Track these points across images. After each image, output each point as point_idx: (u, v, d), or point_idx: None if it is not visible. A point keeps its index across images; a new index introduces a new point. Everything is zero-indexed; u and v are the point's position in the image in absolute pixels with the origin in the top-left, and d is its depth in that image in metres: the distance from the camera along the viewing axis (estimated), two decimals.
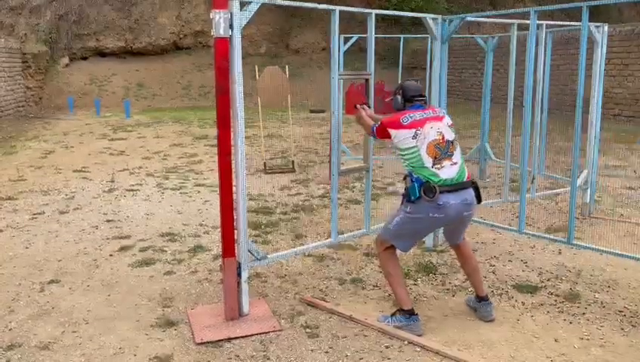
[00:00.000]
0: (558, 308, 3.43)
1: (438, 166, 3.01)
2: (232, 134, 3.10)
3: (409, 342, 3.01)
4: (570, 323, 3.24)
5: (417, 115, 3.12)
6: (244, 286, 3.28)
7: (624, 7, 18.42)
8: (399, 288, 3.20)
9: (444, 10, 17.69)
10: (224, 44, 3.01)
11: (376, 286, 3.78)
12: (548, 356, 2.87)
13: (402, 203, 3.17)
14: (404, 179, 3.17)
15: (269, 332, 3.15)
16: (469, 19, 4.35)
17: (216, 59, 3.03)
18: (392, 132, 3.13)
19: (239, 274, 3.25)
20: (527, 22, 3.80)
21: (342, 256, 4.36)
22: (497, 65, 6.41)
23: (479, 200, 3.14)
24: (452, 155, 3.05)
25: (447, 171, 3.01)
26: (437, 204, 2.97)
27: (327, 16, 3.58)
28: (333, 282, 3.86)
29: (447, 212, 2.99)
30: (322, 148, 9.33)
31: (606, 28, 5.00)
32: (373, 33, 3.76)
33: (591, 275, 3.91)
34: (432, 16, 4.19)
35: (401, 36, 7.56)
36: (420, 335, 3.05)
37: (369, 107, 3.72)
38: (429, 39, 4.61)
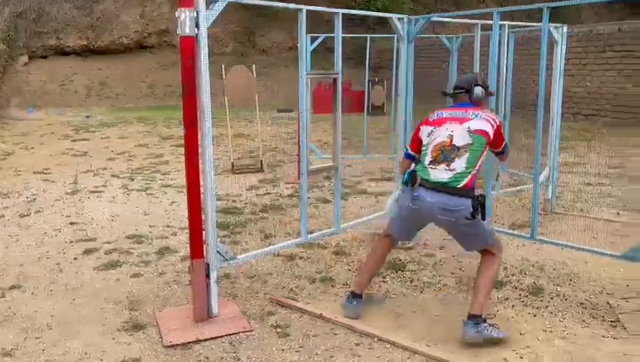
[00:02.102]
0: (523, 301, 3.52)
1: (433, 166, 3.01)
2: (199, 134, 3.07)
3: (379, 339, 3.04)
4: (535, 316, 3.33)
5: (446, 113, 3.17)
6: (214, 288, 3.25)
7: (582, 8, 19.00)
8: (359, 271, 3.46)
9: (409, 10, 17.88)
10: (190, 43, 2.97)
11: (346, 284, 3.80)
12: (513, 349, 2.94)
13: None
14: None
15: (238, 332, 3.13)
16: (434, 19, 4.41)
17: (182, 59, 2.99)
18: (421, 127, 3.20)
19: (208, 276, 3.22)
20: (491, 22, 3.88)
21: (312, 255, 4.37)
22: (462, 65, 6.52)
23: (481, 216, 2.95)
24: (452, 161, 2.96)
25: (438, 173, 2.98)
26: (413, 195, 3.03)
27: (294, 16, 3.58)
28: (303, 281, 3.87)
29: (421, 206, 3.01)
30: (290, 148, 9.32)
31: (565, 29, 5.15)
32: (341, 33, 3.78)
33: (553, 269, 4.03)
34: (398, 16, 4.24)
35: (368, 36, 7.60)
36: (349, 318, 3.22)
37: None
38: (395, 39, 4.66)
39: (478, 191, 3.02)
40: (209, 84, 3.06)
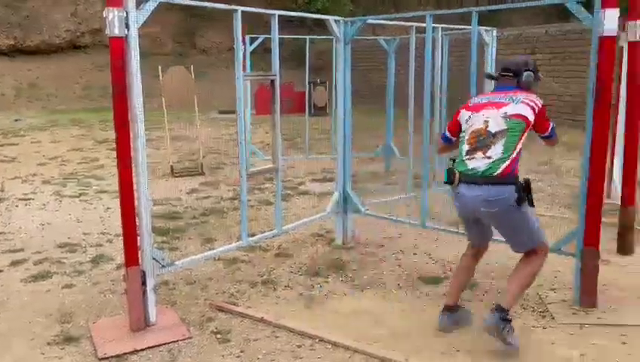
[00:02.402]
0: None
1: (470, 156, 2.86)
2: (131, 136, 2.97)
3: (320, 340, 3.05)
4: (471, 309, 3.43)
5: (486, 98, 3.01)
6: (150, 296, 3.16)
7: (512, 12, 19.85)
8: (451, 287, 3.23)
9: (348, 12, 18.10)
10: (120, 43, 2.88)
11: (288, 287, 3.79)
12: (451, 343, 3.02)
13: None
14: (450, 160, 3.05)
15: (177, 340, 3.05)
16: (369, 21, 4.47)
17: (112, 60, 2.89)
18: (461, 111, 3.04)
19: (144, 283, 3.12)
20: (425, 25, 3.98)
21: (253, 259, 4.33)
22: (400, 66, 6.66)
23: (528, 202, 2.82)
24: (488, 148, 2.80)
25: (475, 163, 2.82)
26: (455, 193, 2.91)
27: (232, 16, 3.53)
28: (245, 285, 3.82)
29: (463, 202, 2.88)
30: (232, 150, 9.19)
31: (495, 32, 5.36)
32: (277, 34, 3.77)
33: (487, 263, 4.15)
34: (335, 18, 4.27)
35: (307, 37, 7.64)
36: (444, 331, 3.05)
37: None
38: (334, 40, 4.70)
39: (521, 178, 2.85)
40: (141, 85, 2.97)
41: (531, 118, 2.86)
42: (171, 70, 7.40)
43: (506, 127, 2.81)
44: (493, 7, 4.22)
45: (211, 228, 5.12)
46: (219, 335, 3.12)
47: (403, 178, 6.97)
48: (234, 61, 3.56)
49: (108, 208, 5.76)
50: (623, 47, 4.45)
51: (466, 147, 2.90)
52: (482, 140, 2.83)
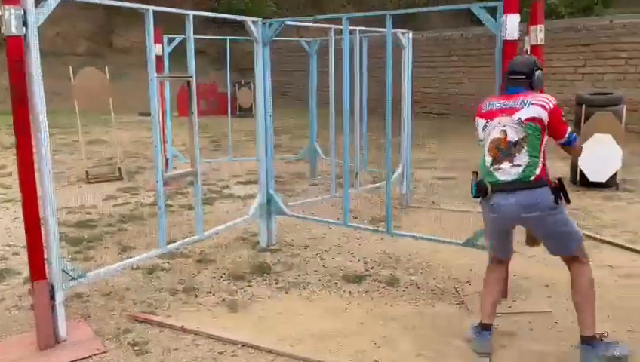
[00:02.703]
0: (381, 293, 3.70)
1: (497, 167, 2.78)
2: (33, 141, 2.79)
3: (243, 345, 3.00)
4: (392, 306, 3.52)
5: (497, 103, 2.86)
6: (60, 310, 2.98)
7: (431, 15, 20.59)
8: (482, 300, 3.06)
9: (272, 13, 18.05)
10: (17, 43, 2.69)
11: (210, 293, 3.71)
12: (372, 339, 3.08)
13: None
14: (473, 174, 2.98)
15: (91, 356, 2.90)
16: (289, 23, 4.47)
17: (8, 61, 2.70)
18: (476, 118, 2.94)
19: (53, 297, 2.94)
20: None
21: (174, 266, 4.20)
22: (324, 67, 6.70)
23: (564, 200, 2.75)
24: (514, 157, 2.73)
25: (505, 173, 2.75)
26: (490, 205, 2.81)
27: (156, 16, 3.41)
28: (164, 293, 3.70)
29: (501, 213, 2.79)
30: (153, 153, 8.89)
31: (411, 35, 5.52)
32: (192, 35, 3.67)
33: (408, 260, 4.29)
34: (252, 19, 4.23)
35: (227, 38, 7.53)
36: (482, 354, 2.86)
37: None
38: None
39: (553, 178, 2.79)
40: (42, 87, 2.79)
41: (545, 117, 2.72)
42: (83, 71, 7.04)
43: (525, 134, 2.73)
44: (407, 10, 4.33)
45: (129, 235, 4.92)
46: (136, 347, 2.99)
47: (327, 178, 7.05)
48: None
49: (15, 218, 5.38)
50: (528, 50, 4.73)
51: (488, 158, 2.82)
52: (504, 151, 2.76)
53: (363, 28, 5.21)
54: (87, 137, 9.39)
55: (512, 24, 3.21)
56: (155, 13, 3.41)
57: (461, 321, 3.27)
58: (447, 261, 4.19)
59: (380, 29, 5.65)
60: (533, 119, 2.72)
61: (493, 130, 2.81)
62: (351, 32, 5.23)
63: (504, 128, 2.77)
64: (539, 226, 2.82)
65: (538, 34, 4.25)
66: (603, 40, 10.28)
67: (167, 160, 6.94)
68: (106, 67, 7.25)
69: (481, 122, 2.90)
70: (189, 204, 5.98)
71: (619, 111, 6.37)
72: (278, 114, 11.02)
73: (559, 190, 2.72)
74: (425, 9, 3.83)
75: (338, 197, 5.44)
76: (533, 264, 4.10)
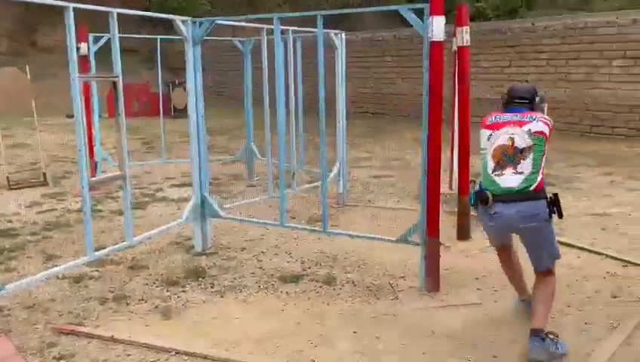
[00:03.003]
0: (318, 292, 3.71)
1: (499, 173, 2.90)
2: None
3: (176, 352, 2.92)
4: (328, 304, 3.54)
5: (503, 117, 3.02)
6: None
7: (365, 16, 20.91)
8: (512, 283, 3.34)
9: (205, 12, 17.73)
10: None
11: (142, 300, 3.59)
12: (309, 339, 3.08)
13: None
14: (471, 182, 3.13)
15: None
16: (220, 22, 4.40)
17: None
18: (481, 131, 3.07)
19: None
20: (283, 27, 4.01)
21: (103, 274, 4.03)
22: (260, 67, 6.65)
23: (557, 214, 2.90)
24: (518, 164, 2.87)
25: (507, 180, 2.87)
26: (489, 214, 2.93)
27: (82, 14, 3.26)
28: (93, 303, 3.55)
29: (500, 221, 2.92)
30: None
31: (344, 35, 5.58)
32: (117, 33, 3.54)
33: (344, 258, 4.33)
34: (182, 18, 4.13)
35: (158, 37, 7.32)
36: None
37: None
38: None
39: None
40: None
41: (548, 134, 2.95)
42: (1, 71, 6.63)
43: (532, 143, 2.88)
44: (338, 11, 4.38)
45: (55, 244, 4.68)
46: (62, 361, 2.85)
47: (265, 179, 7.01)
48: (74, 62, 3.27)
49: None
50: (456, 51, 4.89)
51: (491, 164, 2.94)
52: (510, 156, 2.89)
53: (296, 28, 5.22)
54: (8, 141, 8.87)
55: (437, 26, 3.30)
56: (78, 10, 3.26)
57: (396, 317, 3.34)
58: (383, 258, 4.26)
59: (313, 30, 5.68)
60: (541, 132, 2.91)
61: (499, 138, 2.95)
62: (285, 32, 5.26)
63: (512, 136, 2.92)
64: (532, 236, 2.96)
65: (464, 35, 4.42)
66: (525, 42, 10.81)
67: (95, 163, 6.68)
68: (27, 67, 6.87)
69: (486, 132, 3.04)
70: (119, 209, 5.76)
71: (542, 109, 6.70)
72: (214, 114, 10.82)
73: (554, 204, 2.88)
74: (355, 10, 3.87)
75: (275, 198, 5.42)
76: (463, 258, 4.25)
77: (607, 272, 3.92)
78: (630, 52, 9.32)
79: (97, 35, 6.42)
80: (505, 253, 3.27)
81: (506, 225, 2.95)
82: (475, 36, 4.75)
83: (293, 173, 5.56)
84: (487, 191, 2.93)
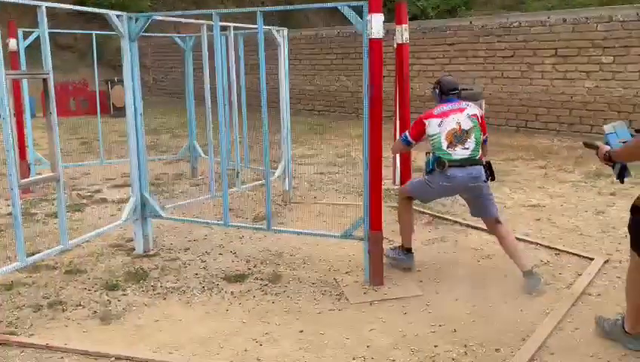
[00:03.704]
0: (263, 291, 3.69)
1: (452, 149, 3.66)
2: None
3: (116, 358, 2.84)
4: (274, 302, 3.52)
5: (447, 107, 3.76)
6: None
7: (310, 13, 20.96)
8: (405, 231, 4.01)
9: (147, 7, 17.26)
10: None
11: (80, 306, 3.46)
12: (254, 338, 3.06)
13: (424, 173, 3.84)
14: (427, 155, 3.80)
15: None
16: (157, 17, 4.29)
17: None
18: (426, 121, 3.75)
19: None
20: (224, 23, 3.94)
21: (38, 279, 3.86)
22: (201, 64, 6.54)
23: (491, 177, 3.76)
24: (465, 142, 3.66)
25: (459, 153, 3.66)
26: (446, 175, 3.65)
27: (13, 8, 3.08)
28: (27, 310, 3.39)
29: (454, 182, 3.66)
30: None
31: (286, 32, 5.56)
32: (46, 28, 3.38)
33: (290, 255, 4.33)
34: (116, 13, 4.00)
35: (93, 32, 7.04)
36: (409, 268, 3.95)
37: None
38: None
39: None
40: None
41: (479, 115, 3.79)
42: None
43: (472, 124, 3.70)
44: (276, 8, 4.36)
45: None
46: None
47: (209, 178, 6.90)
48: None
49: None
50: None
51: (445, 143, 3.69)
52: (459, 137, 3.67)
53: (238, 25, 5.15)
54: None
55: (376, 23, 3.35)
56: (5, 4, 3.09)
57: (341, 312, 3.37)
58: (328, 253, 4.29)
59: (254, 26, 5.63)
60: (475, 115, 3.76)
61: (449, 124, 3.70)
62: (226, 29, 5.18)
63: (459, 121, 3.70)
64: (476, 192, 3.74)
65: (403, 33, 4.50)
66: (464, 40, 11.13)
67: (28, 165, 6.37)
68: None
69: (436, 121, 3.73)
70: (55, 212, 5.53)
71: (479, 104, 6.95)
72: (158, 112, 10.49)
73: (489, 169, 3.76)
74: (295, 7, 3.86)
75: (219, 198, 5.36)
76: None
77: (541, 261, 4.10)
78: (561, 50, 9.78)
79: (27, 30, 6.13)
80: (411, 202, 4.04)
81: (459, 184, 3.69)
82: (416, 34, 4.86)
83: (238, 172, 5.50)
84: (445, 159, 3.66)
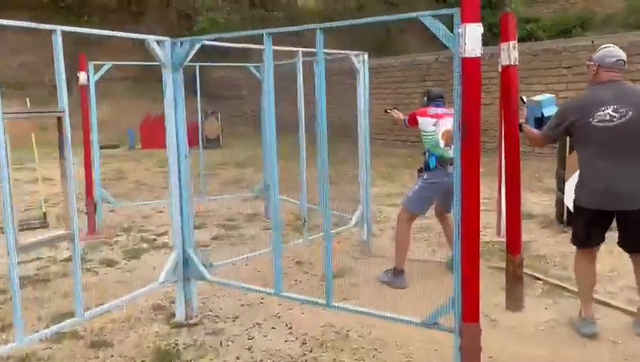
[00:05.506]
0: None
1: (448, 148, 3.99)
2: None
3: None
4: None
5: (439, 110, 4.21)
6: None
7: (410, 40, 20.03)
8: (400, 252, 4.20)
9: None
10: None
11: None
12: None
13: (419, 175, 4.24)
14: (424, 154, 4.21)
15: None
16: (206, 42, 3.64)
17: None
18: (420, 119, 4.22)
19: None
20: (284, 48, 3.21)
21: (56, 353, 3.25)
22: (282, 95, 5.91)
23: None
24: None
25: (450, 153, 3.77)
26: (447, 173, 3.94)
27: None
28: None
29: (451, 178, 3.64)
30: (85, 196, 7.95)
31: (366, 56, 4.74)
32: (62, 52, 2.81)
33: (359, 336, 3.38)
34: (157, 38, 3.40)
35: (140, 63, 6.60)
36: (402, 288, 4.07)
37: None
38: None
39: None
40: None
41: None
42: None
43: None
44: (337, 23, 3.62)
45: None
46: None
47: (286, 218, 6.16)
48: None
49: None
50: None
51: (442, 142, 4.11)
52: (452, 137, 3.63)
53: (306, 50, 4.42)
54: (26, 174, 8.42)
55: (472, 36, 2.39)
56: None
57: None
58: (408, 337, 3.28)
59: (336, 51, 4.85)
60: None
61: (445, 125, 4.09)
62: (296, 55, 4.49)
63: (452, 124, 3.78)
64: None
65: (511, 52, 3.48)
66: (584, 62, 9.63)
67: (95, 203, 6.03)
68: (27, 99, 6.37)
69: (431, 120, 4.18)
70: (111, 259, 5.06)
71: None
72: (252, 144, 9.70)
73: None
74: (358, 21, 2.97)
75: (294, 247, 4.59)
76: (515, 340, 3.24)
77: None
78: None
79: (98, 62, 5.87)
80: (412, 221, 4.34)
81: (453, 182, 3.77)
82: (523, 57, 3.99)
83: (305, 220, 4.68)
84: (446, 157, 4.00)
